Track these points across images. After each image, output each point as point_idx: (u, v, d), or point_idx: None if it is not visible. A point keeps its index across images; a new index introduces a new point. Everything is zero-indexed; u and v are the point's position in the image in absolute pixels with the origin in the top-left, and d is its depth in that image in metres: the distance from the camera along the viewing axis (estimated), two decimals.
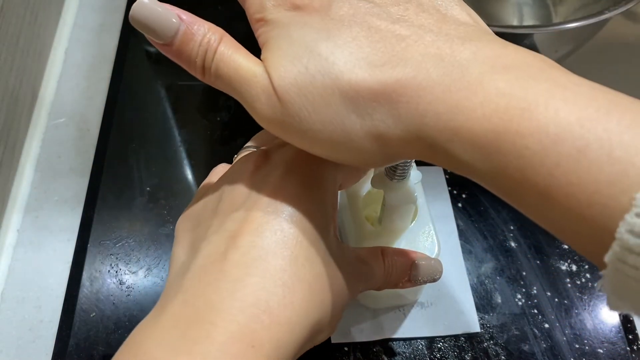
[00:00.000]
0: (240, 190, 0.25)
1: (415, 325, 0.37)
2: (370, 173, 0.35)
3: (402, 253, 0.30)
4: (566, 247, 0.41)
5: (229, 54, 0.23)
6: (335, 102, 0.20)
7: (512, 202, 0.19)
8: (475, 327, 0.37)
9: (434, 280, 0.30)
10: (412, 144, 0.19)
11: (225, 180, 0.27)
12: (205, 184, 0.30)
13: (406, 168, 0.30)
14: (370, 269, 0.27)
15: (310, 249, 0.23)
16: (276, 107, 0.21)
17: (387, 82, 0.19)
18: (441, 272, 0.30)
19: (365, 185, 0.35)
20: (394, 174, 0.30)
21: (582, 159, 0.16)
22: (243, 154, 0.29)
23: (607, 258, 0.16)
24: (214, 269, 0.22)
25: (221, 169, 0.31)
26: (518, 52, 0.19)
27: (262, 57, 0.22)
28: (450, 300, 0.38)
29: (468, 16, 0.21)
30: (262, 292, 0.21)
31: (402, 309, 0.38)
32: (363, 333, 0.37)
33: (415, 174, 0.31)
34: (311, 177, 0.25)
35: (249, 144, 0.30)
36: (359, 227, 0.34)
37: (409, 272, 0.29)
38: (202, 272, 0.22)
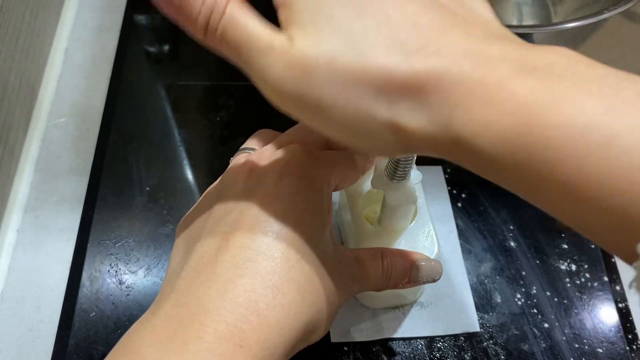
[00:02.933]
0: (234, 193, 0.25)
1: (415, 325, 0.37)
2: (370, 173, 0.35)
3: (402, 254, 0.30)
4: (566, 246, 0.41)
5: (240, 17, 0.21)
6: (364, 84, 0.19)
7: (534, 199, 0.18)
8: (475, 327, 0.37)
9: (434, 281, 0.30)
10: (435, 138, 0.19)
11: (221, 183, 0.27)
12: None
13: (407, 168, 0.30)
14: (367, 270, 0.27)
15: (302, 251, 0.23)
16: (296, 80, 0.20)
17: (421, 72, 0.18)
18: (441, 273, 0.30)
19: (365, 185, 0.35)
20: (394, 174, 0.30)
21: (612, 147, 0.16)
22: (239, 155, 0.29)
23: None
24: (206, 270, 0.22)
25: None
26: (543, 51, 0.19)
27: (284, 26, 0.20)
28: (450, 300, 0.38)
29: (490, 12, 0.21)
30: (252, 293, 0.22)
31: (402, 309, 0.38)
32: (363, 333, 0.37)
33: (415, 174, 0.31)
34: (305, 179, 0.25)
35: (244, 145, 0.31)
36: (359, 227, 0.34)
37: (409, 273, 0.30)
38: (194, 273, 0.23)
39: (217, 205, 0.26)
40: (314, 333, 0.24)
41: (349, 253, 0.27)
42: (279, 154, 0.26)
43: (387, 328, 0.37)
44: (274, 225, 0.23)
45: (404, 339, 0.37)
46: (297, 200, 0.24)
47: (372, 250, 0.29)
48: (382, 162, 0.32)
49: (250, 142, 0.31)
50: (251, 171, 0.26)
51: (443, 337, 0.37)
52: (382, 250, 0.29)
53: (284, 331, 0.22)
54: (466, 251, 0.41)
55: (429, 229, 0.34)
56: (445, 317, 0.38)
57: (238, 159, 0.28)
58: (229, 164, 0.34)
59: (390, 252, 0.29)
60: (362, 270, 0.27)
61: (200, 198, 0.29)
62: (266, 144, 0.29)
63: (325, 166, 0.26)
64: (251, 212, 0.24)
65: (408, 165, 0.29)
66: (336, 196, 0.40)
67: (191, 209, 0.29)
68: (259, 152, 0.28)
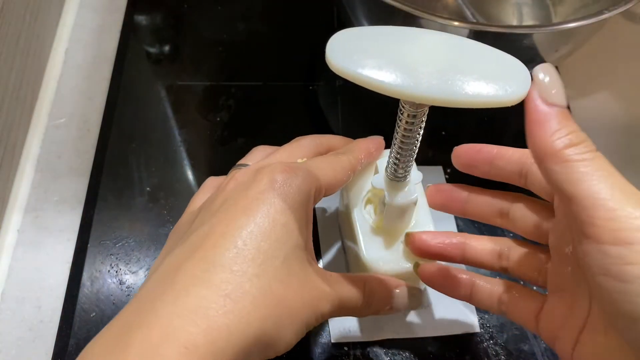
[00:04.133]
0: (212, 207, 0.27)
1: (415, 326, 0.37)
2: (371, 172, 0.35)
3: (385, 282, 0.31)
4: None
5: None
6: None
7: None
8: (475, 328, 0.37)
9: (417, 309, 0.32)
10: None
11: (211, 194, 0.29)
12: (194, 197, 0.32)
13: (407, 168, 0.30)
14: (342, 293, 0.28)
15: (262, 266, 0.24)
16: None
17: None
18: (422, 303, 0.33)
19: (366, 186, 0.35)
20: (395, 174, 0.30)
21: None
22: (232, 171, 0.31)
23: None
24: (167, 279, 0.23)
25: (210, 183, 0.33)
26: None
27: None
28: (450, 300, 0.38)
29: None
30: (203, 300, 0.22)
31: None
32: (363, 333, 0.37)
33: (415, 174, 0.31)
34: (279, 197, 0.26)
35: (241, 161, 0.32)
36: (360, 227, 0.34)
37: (390, 300, 0.31)
38: (156, 282, 0.24)
39: (199, 215, 0.27)
40: (271, 346, 0.24)
41: (322, 274, 0.28)
42: (260, 170, 0.27)
43: (387, 329, 0.37)
44: (238, 241, 0.24)
45: (404, 340, 0.37)
46: (267, 217, 0.25)
47: (355, 276, 0.29)
48: (382, 162, 0.32)
49: (247, 159, 0.32)
50: (233, 187, 0.27)
51: (443, 337, 0.37)
52: (365, 277, 0.30)
53: (232, 336, 0.22)
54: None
55: (429, 229, 0.34)
56: (445, 318, 0.38)
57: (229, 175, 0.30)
58: (229, 164, 0.35)
59: (373, 278, 0.30)
60: (336, 292, 0.27)
61: (189, 207, 0.31)
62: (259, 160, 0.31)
63: (307, 180, 0.27)
64: (220, 226, 0.25)
65: (409, 165, 0.30)
66: (336, 197, 0.40)
67: (183, 215, 0.31)
68: (245, 168, 0.29)
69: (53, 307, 0.39)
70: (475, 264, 0.30)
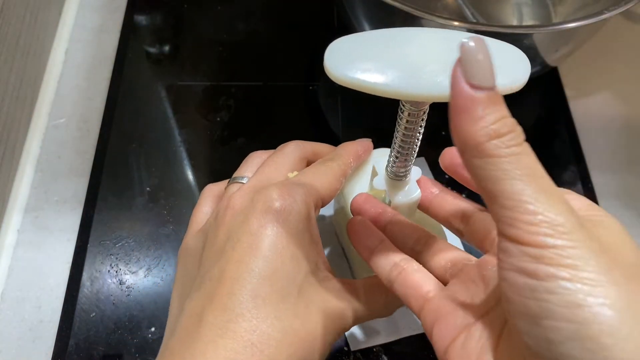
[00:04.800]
0: (217, 244, 0.27)
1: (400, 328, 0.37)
2: (367, 173, 0.35)
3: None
4: None
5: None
6: None
7: None
8: None
9: None
10: None
11: (213, 218, 0.29)
12: (196, 210, 0.32)
13: (408, 167, 0.30)
14: (365, 303, 0.28)
15: (280, 305, 0.25)
16: None
17: None
18: None
19: (360, 187, 0.35)
20: (396, 173, 0.30)
21: None
22: (230, 186, 0.30)
23: None
24: (192, 330, 0.24)
25: (208, 192, 0.33)
26: None
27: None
28: None
29: None
30: (231, 352, 0.23)
31: None
32: (380, 335, 0.37)
33: (415, 170, 0.31)
34: (283, 223, 0.26)
35: (237, 174, 0.32)
36: None
37: None
38: (183, 333, 0.25)
39: (205, 250, 0.27)
40: None
41: (340, 288, 0.28)
42: (257, 198, 0.27)
43: (402, 327, 0.37)
44: (252, 285, 0.24)
45: (404, 340, 0.37)
46: (275, 254, 0.25)
47: (374, 280, 0.29)
48: (381, 163, 0.32)
49: (242, 169, 0.32)
50: (232, 218, 0.27)
51: None
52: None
53: None
54: (466, 251, 0.41)
55: (431, 221, 0.33)
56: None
57: (228, 192, 0.30)
58: (229, 164, 0.34)
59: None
60: (357, 302, 0.28)
61: (192, 221, 0.31)
62: (256, 168, 0.31)
63: (305, 202, 0.27)
64: (230, 270, 0.25)
65: (409, 164, 0.30)
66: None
67: (187, 234, 0.30)
68: (240, 191, 0.29)
69: (53, 307, 0.39)
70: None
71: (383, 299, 0.29)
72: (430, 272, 0.27)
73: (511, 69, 0.22)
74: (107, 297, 0.39)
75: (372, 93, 0.22)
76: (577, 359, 0.16)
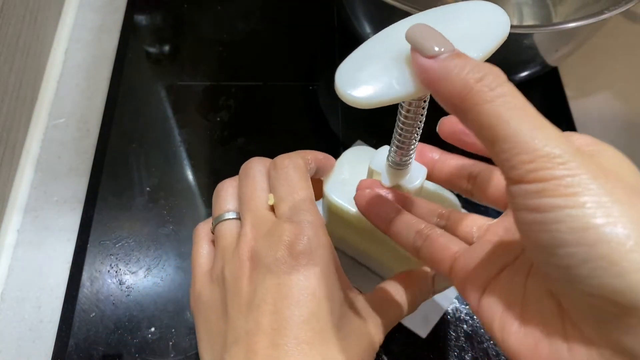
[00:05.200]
0: (245, 290, 0.26)
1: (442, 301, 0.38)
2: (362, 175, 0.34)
3: (422, 274, 0.31)
4: None
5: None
6: None
7: None
8: (422, 333, 0.38)
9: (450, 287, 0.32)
10: None
11: (221, 269, 0.28)
12: (195, 252, 0.31)
13: (409, 155, 0.29)
14: (391, 318, 0.29)
15: (325, 345, 0.24)
16: None
17: None
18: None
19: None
20: (397, 162, 0.30)
21: None
22: (222, 228, 0.29)
23: None
24: None
25: (202, 231, 0.31)
26: None
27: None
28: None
29: None
30: None
31: None
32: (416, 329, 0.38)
33: (418, 167, 0.31)
34: (315, 254, 0.26)
35: (220, 211, 0.30)
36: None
37: (432, 287, 0.31)
38: None
39: (232, 310, 0.26)
40: None
41: (365, 306, 0.28)
42: (271, 244, 0.26)
43: (431, 317, 0.38)
44: (292, 332, 0.24)
45: (404, 339, 0.37)
46: (308, 294, 0.25)
47: (395, 280, 0.30)
48: (378, 161, 0.31)
49: (223, 204, 0.30)
50: (252, 270, 0.26)
51: (440, 338, 0.37)
52: (405, 279, 0.30)
53: None
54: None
55: (442, 200, 0.33)
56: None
57: (225, 235, 0.29)
58: (229, 164, 0.33)
59: (413, 277, 0.31)
60: (384, 318, 0.28)
61: (195, 265, 0.30)
62: (236, 200, 0.30)
63: (314, 220, 0.27)
64: (267, 322, 0.25)
65: (410, 152, 0.29)
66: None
67: (194, 283, 0.29)
68: (245, 239, 0.28)
69: (53, 307, 0.39)
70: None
71: (406, 303, 0.29)
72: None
73: (484, 28, 0.23)
74: (107, 297, 0.39)
75: (387, 105, 0.23)
76: (593, 278, 0.17)
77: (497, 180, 0.28)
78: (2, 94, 0.41)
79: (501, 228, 0.25)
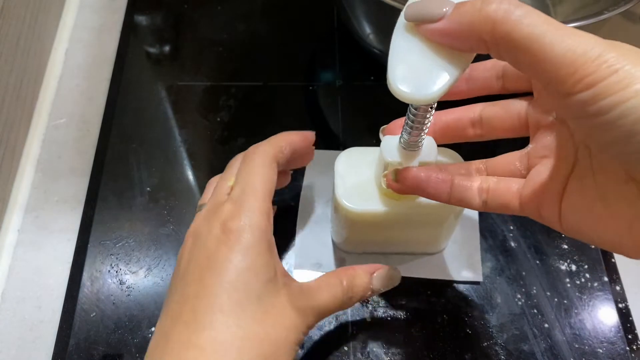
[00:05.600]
0: (183, 263, 0.29)
1: (425, 269, 0.39)
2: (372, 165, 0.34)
3: (360, 272, 0.32)
4: (566, 247, 0.41)
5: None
6: None
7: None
8: (479, 277, 0.39)
9: (394, 286, 0.34)
10: None
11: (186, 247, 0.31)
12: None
13: (421, 136, 0.29)
14: (322, 303, 0.30)
15: (241, 314, 0.26)
16: None
17: None
18: (399, 279, 0.34)
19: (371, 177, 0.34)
20: (409, 144, 0.30)
21: None
22: (196, 215, 0.32)
23: None
24: (161, 348, 0.27)
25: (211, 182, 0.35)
26: None
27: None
28: (458, 250, 0.40)
29: None
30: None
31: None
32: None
33: (428, 139, 0.31)
34: (243, 240, 0.28)
35: (201, 202, 0.33)
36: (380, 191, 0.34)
37: (370, 286, 0.32)
38: (152, 352, 0.27)
39: (172, 281, 0.30)
40: None
41: (299, 290, 0.29)
42: (211, 222, 0.29)
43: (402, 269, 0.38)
44: (209, 299, 0.27)
45: (403, 340, 0.37)
46: (230, 269, 0.27)
47: (333, 274, 0.31)
48: (392, 153, 0.31)
49: (204, 197, 0.34)
50: (192, 245, 0.30)
51: (441, 334, 0.37)
52: (341, 274, 0.31)
53: None
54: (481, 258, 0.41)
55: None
56: (453, 264, 0.40)
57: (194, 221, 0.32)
58: (228, 164, 0.35)
59: (349, 273, 0.32)
60: (316, 302, 0.30)
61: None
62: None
63: (255, 216, 0.29)
64: (190, 290, 0.27)
65: (422, 134, 0.29)
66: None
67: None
68: (196, 217, 0.31)
69: (53, 307, 0.39)
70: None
71: (340, 293, 0.31)
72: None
73: None
74: (107, 297, 0.39)
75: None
76: None
77: (503, 109, 0.29)
78: (3, 94, 0.41)
79: (541, 149, 0.26)
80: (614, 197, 0.22)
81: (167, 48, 0.52)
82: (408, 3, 0.22)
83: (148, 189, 0.44)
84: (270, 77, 0.50)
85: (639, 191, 0.21)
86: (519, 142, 0.29)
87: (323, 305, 0.30)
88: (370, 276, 0.33)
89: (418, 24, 0.22)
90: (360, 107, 0.49)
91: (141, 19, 0.54)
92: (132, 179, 0.44)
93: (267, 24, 0.54)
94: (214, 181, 0.34)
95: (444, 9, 0.21)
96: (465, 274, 0.40)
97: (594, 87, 0.18)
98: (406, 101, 0.24)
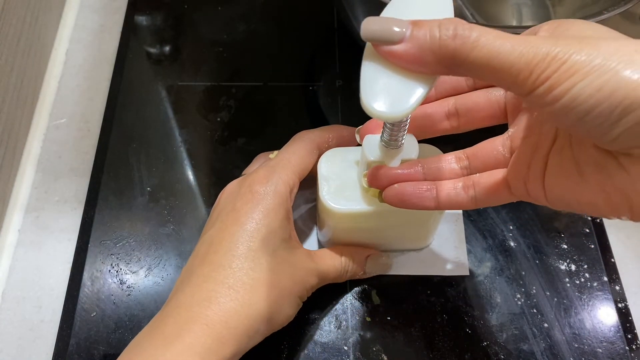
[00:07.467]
0: (213, 216, 0.35)
1: (413, 266, 0.40)
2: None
3: (357, 251, 0.37)
4: (565, 247, 0.41)
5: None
6: None
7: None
8: (465, 271, 0.40)
9: (385, 272, 0.39)
10: None
11: (219, 201, 0.36)
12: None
13: (401, 134, 0.29)
14: (324, 267, 0.35)
15: (255, 261, 0.31)
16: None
17: None
18: (390, 266, 0.39)
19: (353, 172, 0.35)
20: (390, 142, 0.30)
21: None
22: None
23: None
24: (185, 280, 0.32)
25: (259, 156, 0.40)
26: None
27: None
28: (444, 245, 0.41)
29: None
30: (213, 292, 0.30)
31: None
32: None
33: (409, 137, 0.31)
34: (267, 201, 0.33)
35: (245, 171, 0.39)
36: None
37: (363, 266, 0.37)
38: (179, 284, 0.32)
39: (203, 231, 0.35)
40: (274, 320, 0.32)
41: (307, 254, 0.34)
42: (243, 184, 0.34)
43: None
44: (230, 244, 0.32)
45: (403, 340, 0.37)
46: (252, 223, 0.32)
47: (334, 249, 0.37)
48: (373, 152, 0.31)
49: (248, 168, 0.39)
50: (223, 201, 0.35)
51: (440, 335, 0.37)
52: (342, 249, 0.37)
53: (240, 316, 0.30)
54: (467, 251, 0.41)
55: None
56: (440, 259, 0.40)
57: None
58: (229, 164, 0.35)
59: (348, 250, 0.37)
60: (319, 266, 0.35)
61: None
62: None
63: (280, 184, 0.33)
64: (218, 236, 0.32)
65: (402, 132, 0.29)
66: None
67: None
68: (233, 181, 0.36)
69: (54, 307, 0.39)
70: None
71: (339, 264, 0.36)
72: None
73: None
74: (107, 296, 0.39)
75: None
76: (627, 113, 0.19)
77: (484, 98, 0.30)
78: (3, 94, 0.41)
79: (522, 130, 0.28)
80: (587, 164, 0.23)
81: (167, 48, 0.52)
82: (364, 21, 0.23)
83: (148, 188, 0.44)
84: (270, 77, 0.50)
85: (605, 158, 0.22)
86: (494, 133, 0.30)
87: (324, 270, 0.35)
88: (365, 258, 0.37)
89: (376, 45, 0.23)
90: (360, 107, 0.49)
91: (141, 19, 0.54)
92: (132, 179, 0.44)
93: (267, 24, 0.54)
94: (261, 156, 0.39)
95: (402, 30, 0.22)
96: (451, 268, 0.40)
97: (548, 80, 0.20)
98: (380, 119, 0.24)
